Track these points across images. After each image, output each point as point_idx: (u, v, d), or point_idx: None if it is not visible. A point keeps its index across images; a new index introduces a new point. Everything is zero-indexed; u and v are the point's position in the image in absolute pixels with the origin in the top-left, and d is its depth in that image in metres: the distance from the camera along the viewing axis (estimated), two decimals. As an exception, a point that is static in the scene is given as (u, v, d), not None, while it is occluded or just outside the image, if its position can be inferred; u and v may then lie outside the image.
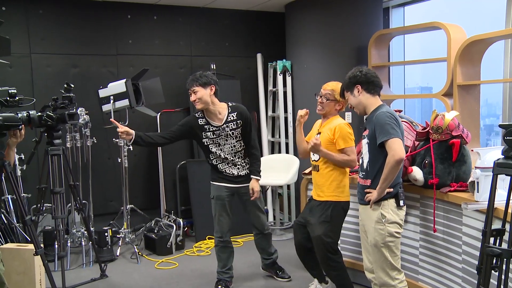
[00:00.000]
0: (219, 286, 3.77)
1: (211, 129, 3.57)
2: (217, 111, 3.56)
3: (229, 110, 3.57)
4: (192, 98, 3.49)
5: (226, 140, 3.59)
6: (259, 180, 3.67)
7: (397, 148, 2.71)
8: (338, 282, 3.38)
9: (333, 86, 3.36)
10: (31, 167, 4.64)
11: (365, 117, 3.04)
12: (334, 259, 3.30)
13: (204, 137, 3.59)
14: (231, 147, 3.61)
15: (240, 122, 3.57)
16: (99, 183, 5.14)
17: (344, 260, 3.48)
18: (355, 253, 3.81)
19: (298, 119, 3.45)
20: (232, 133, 3.58)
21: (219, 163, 3.65)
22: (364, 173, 2.97)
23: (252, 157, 3.67)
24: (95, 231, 4.51)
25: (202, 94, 3.47)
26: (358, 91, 2.92)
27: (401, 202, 2.87)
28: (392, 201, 2.85)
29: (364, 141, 2.95)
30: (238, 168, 3.67)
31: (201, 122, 3.58)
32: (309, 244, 3.44)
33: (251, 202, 3.70)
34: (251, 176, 3.66)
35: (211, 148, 3.60)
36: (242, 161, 3.68)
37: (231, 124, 3.56)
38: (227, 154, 3.61)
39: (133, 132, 3.42)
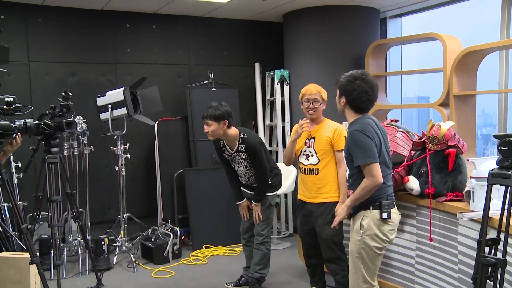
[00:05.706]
0: (242, 279, 4.07)
1: (226, 152, 3.79)
2: (229, 140, 3.73)
3: (239, 142, 3.71)
4: (205, 129, 3.67)
5: (239, 166, 3.79)
6: (257, 205, 3.81)
7: (378, 174, 2.66)
8: (345, 283, 3.37)
9: (318, 89, 3.44)
10: (28, 175, 4.64)
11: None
12: (343, 259, 3.36)
13: (225, 157, 3.86)
14: (244, 172, 3.81)
15: (246, 154, 3.73)
16: (96, 192, 5.14)
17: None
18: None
19: (297, 131, 3.39)
20: (242, 162, 3.75)
21: (239, 176, 3.93)
22: (348, 184, 2.99)
23: (257, 184, 3.80)
24: (91, 240, 4.50)
25: (215, 128, 3.62)
26: (343, 102, 2.81)
27: (384, 215, 2.73)
28: (376, 213, 2.74)
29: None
30: (251, 186, 3.88)
31: (221, 144, 3.80)
32: (319, 250, 3.48)
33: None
34: (252, 201, 3.85)
35: (232, 164, 3.84)
36: (254, 182, 3.86)
37: (241, 154, 3.73)
38: (241, 174, 3.85)
39: (245, 202, 3.90)
